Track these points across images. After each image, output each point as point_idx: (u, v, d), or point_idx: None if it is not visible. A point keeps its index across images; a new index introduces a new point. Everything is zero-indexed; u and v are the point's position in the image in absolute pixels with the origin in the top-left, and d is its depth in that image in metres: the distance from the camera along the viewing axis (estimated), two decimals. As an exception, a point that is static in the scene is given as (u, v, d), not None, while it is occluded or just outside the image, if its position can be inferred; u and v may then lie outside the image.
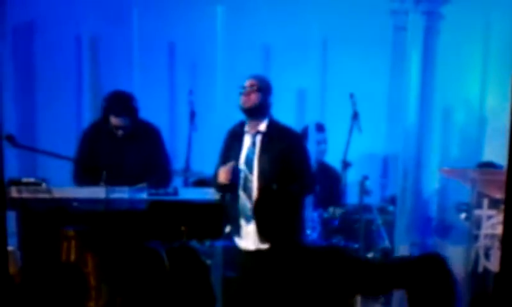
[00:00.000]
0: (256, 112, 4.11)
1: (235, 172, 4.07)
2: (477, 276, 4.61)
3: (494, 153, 5.00)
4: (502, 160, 4.31)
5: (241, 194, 4.09)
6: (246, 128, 4.16)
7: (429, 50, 5.31)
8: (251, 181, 4.07)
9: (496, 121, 5.13)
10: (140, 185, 4.19)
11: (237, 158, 4.12)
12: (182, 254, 2.93)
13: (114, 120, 4.35)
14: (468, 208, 4.79)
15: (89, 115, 5.30)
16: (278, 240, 3.03)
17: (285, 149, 4.05)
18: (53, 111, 5.44)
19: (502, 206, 4.13)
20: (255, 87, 4.11)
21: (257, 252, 3.96)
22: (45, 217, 3.92)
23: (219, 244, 4.46)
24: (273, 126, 4.13)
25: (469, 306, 4.10)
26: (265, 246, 3.89)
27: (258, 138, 4.12)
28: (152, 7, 5.37)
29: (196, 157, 4.70)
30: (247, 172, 4.09)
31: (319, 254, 3.02)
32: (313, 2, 5.25)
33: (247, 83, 4.13)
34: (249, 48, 5.31)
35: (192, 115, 4.49)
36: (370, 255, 4.73)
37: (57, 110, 5.44)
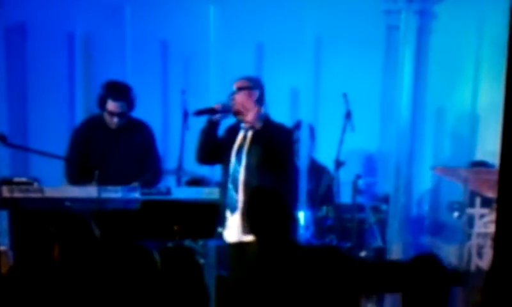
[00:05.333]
0: (242, 112, 4.14)
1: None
2: (470, 274, 4.62)
3: (486, 152, 5.02)
4: (494, 160, 4.32)
5: (230, 185, 4.13)
6: (242, 124, 4.21)
7: (422, 49, 5.32)
8: (239, 173, 4.11)
9: (488, 120, 5.15)
10: (132, 185, 4.18)
11: (231, 151, 4.17)
12: (175, 254, 2.93)
13: (111, 105, 4.32)
14: (460, 207, 4.81)
15: (81, 114, 5.28)
16: (271, 239, 3.03)
17: (271, 144, 4.08)
18: (45, 110, 5.42)
19: (495, 205, 4.14)
20: (238, 90, 4.14)
21: (240, 244, 3.98)
22: (37, 216, 3.90)
23: (212, 243, 4.46)
24: (268, 122, 4.16)
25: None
26: (247, 238, 3.92)
27: (250, 132, 4.16)
28: (144, 6, 5.36)
29: (188, 157, 4.69)
30: (236, 165, 4.12)
31: (314, 253, 3.02)
32: (306, 1, 5.25)
33: (233, 87, 4.17)
34: (242, 47, 5.31)
35: (185, 115, 4.48)
36: (362, 254, 4.74)
37: (49, 109, 5.42)
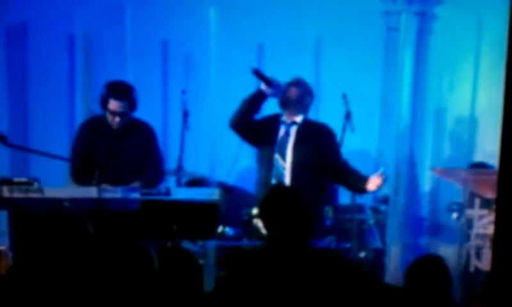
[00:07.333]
0: (293, 105, 4.26)
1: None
2: (469, 276, 4.63)
3: (485, 153, 5.02)
4: (494, 161, 4.33)
5: (273, 181, 4.20)
6: (283, 118, 4.29)
7: (422, 50, 5.32)
8: (284, 168, 4.16)
9: (487, 122, 5.15)
10: (133, 185, 4.18)
11: (271, 144, 4.25)
12: (173, 254, 2.93)
13: (113, 104, 4.33)
14: (459, 208, 4.81)
15: (82, 114, 5.29)
16: (285, 240, 2.98)
17: (321, 144, 4.22)
18: (45, 110, 5.43)
19: (494, 206, 4.14)
20: (296, 84, 4.30)
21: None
22: (37, 217, 3.91)
23: (212, 243, 4.46)
24: (309, 120, 4.33)
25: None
26: None
27: (294, 128, 4.27)
28: (144, 5, 5.36)
29: (188, 157, 4.69)
30: (280, 159, 4.17)
31: (318, 257, 3.01)
32: (306, 3, 5.26)
33: (291, 79, 4.35)
34: (242, 47, 5.31)
35: (185, 115, 4.49)
36: (362, 255, 4.74)
37: (49, 109, 5.42)
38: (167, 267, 2.79)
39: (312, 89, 4.41)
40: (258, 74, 4.27)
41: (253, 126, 4.27)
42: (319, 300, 2.89)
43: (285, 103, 4.28)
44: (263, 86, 4.26)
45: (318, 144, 4.22)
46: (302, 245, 3.02)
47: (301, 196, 3.98)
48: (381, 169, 4.28)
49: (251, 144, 4.40)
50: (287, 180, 4.18)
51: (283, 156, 4.23)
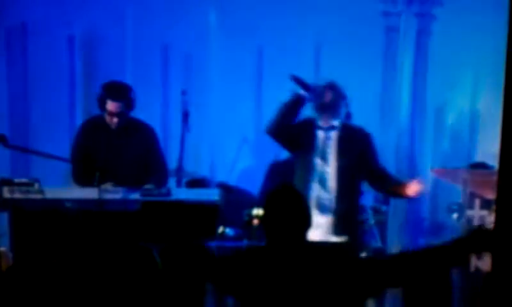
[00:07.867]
0: (329, 109, 4.25)
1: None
2: (469, 276, 4.63)
3: (486, 153, 5.03)
4: (494, 161, 4.33)
5: (315, 185, 4.19)
6: (319, 123, 4.29)
7: (421, 51, 5.33)
8: (327, 172, 4.18)
9: (487, 122, 5.16)
10: (147, 186, 4.17)
11: (309, 149, 4.24)
12: (175, 254, 2.93)
13: (110, 105, 4.34)
14: (459, 209, 4.81)
15: (82, 115, 5.30)
16: (285, 239, 2.97)
17: (364, 148, 4.25)
18: (46, 112, 5.43)
19: (494, 207, 4.14)
20: (330, 87, 4.29)
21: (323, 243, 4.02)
22: (38, 217, 3.91)
23: (213, 244, 4.47)
24: (348, 124, 4.32)
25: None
26: (334, 238, 4.03)
27: (334, 133, 4.27)
28: (145, 7, 5.37)
29: (189, 157, 4.70)
30: (321, 164, 4.19)
31: (325, 252, 3.00)
32: (306, 5, 5.26)
33: (326, 82, 4.34)
34: (242, 50, 5.32)
35: (186, 115, 4.50)
36: (362, 255, 4.74)
37: (50, 110, 5.43)
38: (169, 267, 2.80)
39: (344, 92, 4.36)
40: (297, 80, 4.27)
41: (288, 132, 4.27)
42: (320, 295, 2.89)
43: (321, 108, 4.26)
44: (301, 91, 4.25)
45: (361, 148, 4.24)
46: (301, 243, 3.01)
47: (346, 198, 4.07)
48: (419, 177, 4.33)
49: (287, 148, 4.38)
50: (332, 183, 4.20)
51: (326, 160, 4.23)
